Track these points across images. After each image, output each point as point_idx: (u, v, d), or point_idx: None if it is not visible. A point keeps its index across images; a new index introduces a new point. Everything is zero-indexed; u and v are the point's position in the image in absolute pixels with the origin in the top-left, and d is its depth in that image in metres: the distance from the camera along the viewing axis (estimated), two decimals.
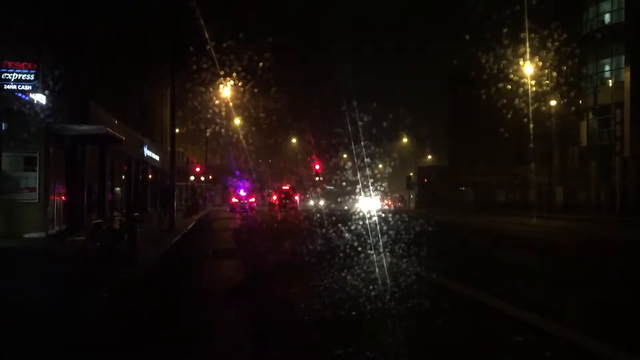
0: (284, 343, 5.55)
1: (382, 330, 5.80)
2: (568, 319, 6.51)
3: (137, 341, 5.52)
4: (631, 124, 35.32)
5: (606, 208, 38.07)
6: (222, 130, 46.60)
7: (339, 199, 56.90)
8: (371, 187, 34.84)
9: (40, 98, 14.79)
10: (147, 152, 29.66)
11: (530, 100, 35.76)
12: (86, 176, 18.61)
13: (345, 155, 55.57)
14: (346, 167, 44.55)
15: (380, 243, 13.28)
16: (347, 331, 5.88)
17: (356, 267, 10.02)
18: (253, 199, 52.97)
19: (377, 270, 9.59)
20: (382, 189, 53.53)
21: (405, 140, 76.15)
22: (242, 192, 52.81)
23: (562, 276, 10.11)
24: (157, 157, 32.86)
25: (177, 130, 26.08)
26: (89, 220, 16.90)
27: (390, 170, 70.33)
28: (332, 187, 65.36)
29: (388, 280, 8.54)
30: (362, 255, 11.62)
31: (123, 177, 25.39)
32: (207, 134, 44.51)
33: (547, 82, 37.58)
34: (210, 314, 6.94)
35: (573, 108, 42.19)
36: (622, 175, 36.87)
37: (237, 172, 58.45)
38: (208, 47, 28.30)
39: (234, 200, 50.60)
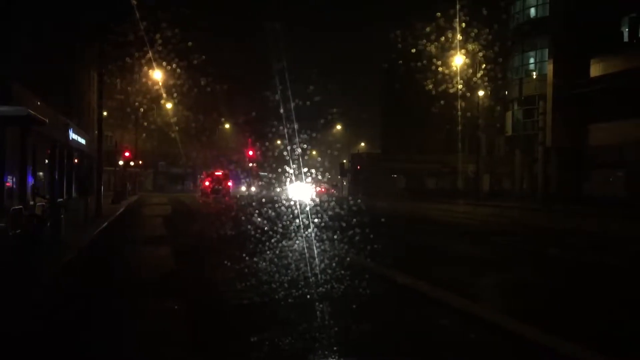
0: (202, 331, 5.49)
1: (299, 316, 5.81)
2: (493, 302, 6.78)
3: (61, 334, 5.34)
4: (553, 116, 36.89)
5: (529, 196, 39.75)
6: (154, 109, 45.60)
7: (273, 185, 56.83)
8: (304, 174, 34.91)
9: None
10: (73, 135, 28.54)
11: (459, 90, 36.80)
12: (6, 160, 17.72)
13: (279, 142, 55.44)
14: (280, 153, 44.45)
15: (306, 228, 13.40)
16: (265, 317, 5.89)
17: (278, 252, 10.15)
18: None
19: (299, 254, 9.73)
20: (316, 175, 53.83)
21: (339, 127, 76.80)
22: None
23: (489, 261, 10.50)
24: (83, 141, 31.69)
25: (104, 114, 25.26)
26: (9, 206, 16.13)
27: (319, 155, 70.85)
28: (265, 173, 65.16)
29: (309, 265, 8.63)
30: (286, 240, 11.75)
31: (46, 161, 24.36)
32: (140, 111, 43.36)
33: (476, 73, 38.76)
34: (135, 302, 6.81)
35: (500, 98, 43.77)
36: (544, 165, 38.50)
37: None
38: (140, 27, 27.52)
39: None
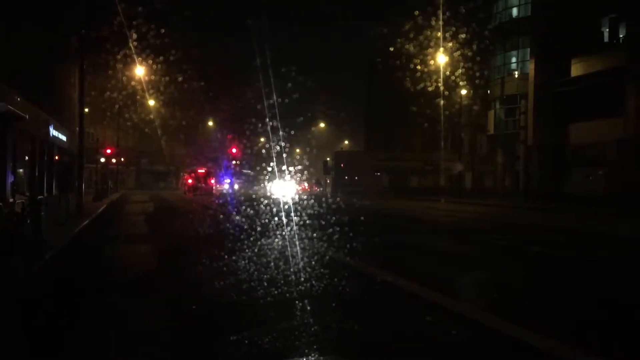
0: (181, 330, 5.45)
1: (279, 314, 5.81)
2: (476, 299, 6.84)
3: (38, 334, 5.30)
4: (534, 114, 37.25)
5: (510, 194, 40.13)
6: (136, 106, 45.27)
7: (256, 183, 56.72)
8: (288, 171, 34.90)
9: None
10: (53, 131, 28.25)
11: (441, 89, 37.01)
12: None
13: (262, 140, 55.36)
14: (263, 151, 44.43)
15: (287, 225, 13.42)
16: (244, 316, 5.87)
17: (258, 250, 10.17)
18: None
19: (278, 252, 9.74)
20: (299, 173, 53.86)
21: (322, 125, 76.88)
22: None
23: (470, 258, 10.58)
24: (64, 138, 31.38)
25: (86, 110, 25.03)
26: None
27: (303, 153, 70.84)
28: (249, 171, 65.02)
29: (289, 263, 8.66)
30: (265, 238, 11.78)
31: (26, 157, 24.10)
32: (122, 108, 42.95)
33: (458, 72, 39.02)
34: (115, 302, 6.74)
35: (482, 97, 44.14)
36: (525, 163, 38.87)
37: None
38: (122, 22, 27.29)
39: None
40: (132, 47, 30.37)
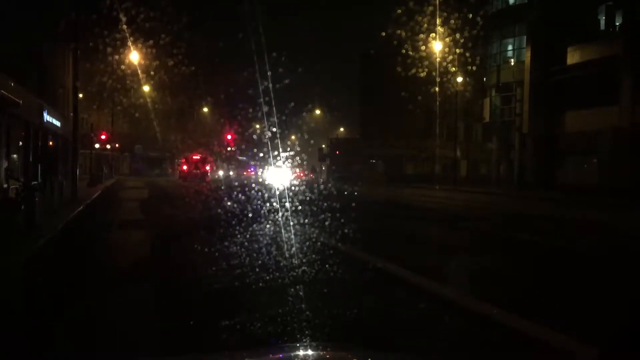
0: (173, 316, 5.46)
1: (270, 300, 5.83)
2: (468, 286, 6.87)
3: (27, 322, 5.31)
4: (530, 102, 37.23)
5: (505, 181, 40.21)
6: (130, 93, 44.96)
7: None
8: (283, 158, 34.87)
9: None
10: (48, 117, 28.11)
11: (437, 76, 36.91)
12: None
13: (258, 127, 55.24)
14: (259, 138, 44.33)
15: (280, 212, 13.45)
16: (236, 302, 5.87)
17: (250, 236, 10.22)
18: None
19: (270, 239, 9.80)
20: (295, 160, 53.86)
21: (318, 112, 76.69)
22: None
23: (463, 245, 10.63)
24: (58, 123, 31.23)
25: (80, 96, 24.91)
26: None
27: (299, 140, 70.70)
28: (244, 158, 64.89)
29: (281, 248, 8.69)
30: (257, 224, 11.83)
31: (20, 143, 24.00)
32: (111, 92, 42.66)
33: (454, 60, 38.91)
34: (107, 289, 6.73)
35: (478, 85, 44.07)
36: (520, 151, 38.89)
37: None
38: (116, 6, 27.06)
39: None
40: (125, 31, 30.11)
